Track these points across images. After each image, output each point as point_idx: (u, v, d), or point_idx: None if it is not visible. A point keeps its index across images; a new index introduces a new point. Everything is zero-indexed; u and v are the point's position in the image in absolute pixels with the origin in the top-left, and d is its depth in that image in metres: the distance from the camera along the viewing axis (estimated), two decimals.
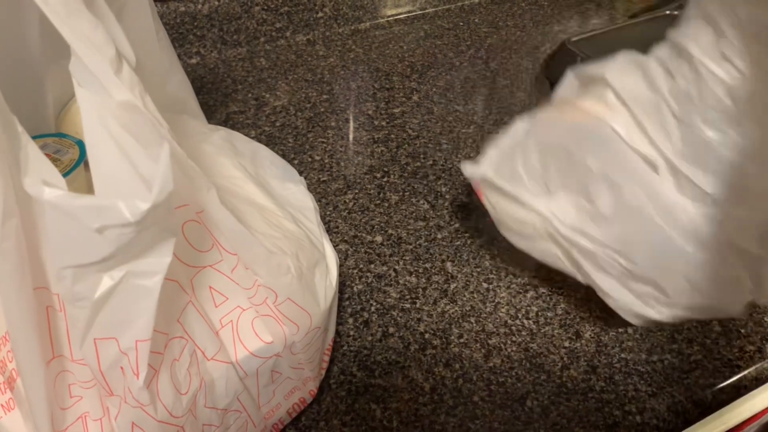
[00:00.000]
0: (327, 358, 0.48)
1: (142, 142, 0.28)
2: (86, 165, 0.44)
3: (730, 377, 0.51)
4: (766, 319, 0.55)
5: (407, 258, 0.58)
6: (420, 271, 0.57)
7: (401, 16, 0.91)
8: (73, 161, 0.43)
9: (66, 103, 0.49)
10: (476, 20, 0.92)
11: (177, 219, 0.32)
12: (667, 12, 0.81)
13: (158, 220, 0.27)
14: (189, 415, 0.34)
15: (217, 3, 0.78)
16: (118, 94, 0.28)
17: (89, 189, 0.37)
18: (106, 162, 0.28)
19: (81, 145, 0.45)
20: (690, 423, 0.49)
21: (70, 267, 0.27)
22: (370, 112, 0.74)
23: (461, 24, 0.91)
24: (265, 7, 0.81)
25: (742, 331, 0.54)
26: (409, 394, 0.49)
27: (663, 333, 0.53)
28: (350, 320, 0.53)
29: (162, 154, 0.26)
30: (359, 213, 0.62)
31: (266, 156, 0.51)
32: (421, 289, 0.56)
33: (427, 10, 0.93)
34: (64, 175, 0.42)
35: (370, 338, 0.52)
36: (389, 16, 0.91)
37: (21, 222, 0.28)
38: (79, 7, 0.27)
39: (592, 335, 0.53)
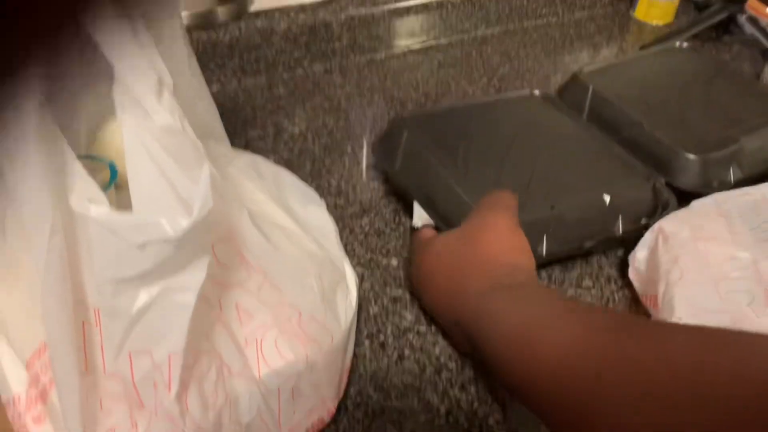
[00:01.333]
0: (345, 379, 0.49)
1: (181, 164, 0.29)
2: (117, 187, 0.46)
3: None
4: None
5: None
6: None
7: (416, 47, 0.94)
8: (104, 183, 0.44)
9: (98, 125, 0.51)
10: (489, 50, 0.94)
11: (210, 237, 0.33)
12: (677, 44, 0.83)
13: (196, 238, 0.28)
14: (215, 429, 0.35)
15: (237, 33, 0.81)
16: (159, 118, 0.29)
17: (119, 209, 0.38)
18: (146, 183, 0.29)
19: (112, 167, 0.46)
20: None
21: (111, 281, 0.28)
22: None
23: (474, 54, 0.93)
24: (284, 37, 0.84)
25: None
26: (425, 416, 0.49)
27: None
28: (366, 342, 0.54)
29: (203, 174, 0.27)
30: (375, 237, 0.63)
31: (288, 179, 0.52)
32: None
33: (440, 41, 0.95)
34: None
35: (386, 360, 0.53)
36: (404, 47, 0.93)
37: (64, 237, 0.29)
38: (126, 37, 0.29)
39: None
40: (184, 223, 0.27)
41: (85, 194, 0.28)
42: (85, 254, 0.30)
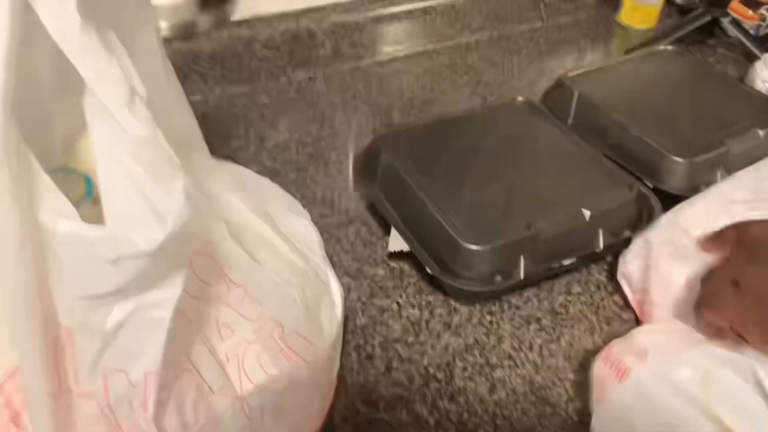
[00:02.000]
0: (332, 393, 0.48)
1: (155, 176, 0.28)
2: (93, 201, 0.44)
3: None
4: None
5: (410, 291, 0.58)
6: (423, 303, 0.57)
7: (400, 54, 0.93)
8: (80, 196, 0.43)
9: (73, 138, 0.49)
10: (474, 57, 0.94)
11: (187, 251, 0.32)
12: (662, 47, 0.83)
13: (172, 252, 0.27)
14: None
15: (219, 42, 0.80)
16: (132, 128, 0.29)
17: (96, 224, 0.37)
18: (119, 196, 0.28)
19: (88, 180, 0.45)
20: None
21: (83, 298, 0.27)
22: None
23: (459, 61, 0.93)
24: (267, 46, 0.83)
25: None
26: (414, 429, 0.48)
27: None
28: (354, 354, 0.53)
29: (177, 186, 0.26)
30: (361, 246, 0.62)
31: (271, 190, 0.51)
32: (424, 322, 0.56)
33: (425, 48, 0.95)
34: None
35: (373, 372, 0.52)
36: (388, 54, 0.92)
37: (32, 254, 0.28)
38: (95, 45, 0.28)
39: None
40: (159, 236, 0.26)
41: (55, 208, 0.27)
42: (55, 271, 0.29)
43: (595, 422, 0.47)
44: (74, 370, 0.31)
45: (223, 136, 0.75)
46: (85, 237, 0.25)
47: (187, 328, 0.34)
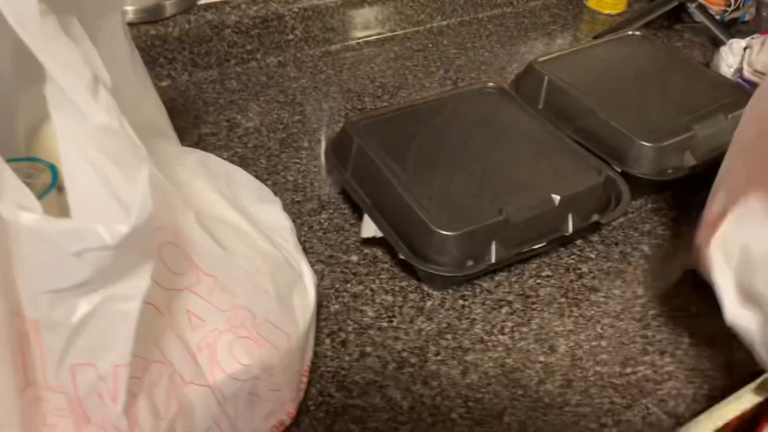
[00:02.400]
0: (305, 380, 0.48)
1: (119, 165, 0.28)
2: (59, 190, 0.44)
3: (701, 387, 0.52)
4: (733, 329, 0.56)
5: (383, 277, 0.58)
6: (396, 289, 0.57)
7: (371, 38, 0.92)
8: (45, 186, 0.42)
9: (37, 127, 0.48)
10: (445, 42, 0.94)
11: (154, 241, 0.32)
12: (630, 33, 0.84)
13: (137, 243, 0.27)
14: None
15: (187, 26, 0.78)
16: (95, 117, 0.28)
17: (62, 214, 0.36)
18: (83, 186, 0.28)
19: (53, 169, 0.44)
20: None
21: (47, 292, 0.26)
22: None
23: (430, 45, 0.93)
24: (236, 30, 0.81)
25: (711, 340, 0.55)
26: (388, 414, 0.49)
27: (636, 346, 0.54)
28: (327, 341, 0.53)
29: (141, 177, 0.26)
30: (334, 233, 0.62)
31: (241, 177, 0.51)
32: (397, 308, 0.56)
33: (396, 32, 0.94)
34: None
35: (347, 358, 0.52)
36: (359, 38, 0.92)
37: None
38: (55, 31, 0.27)
39: (567, 349, 0.54)
40: (123, 228, 0.25)
41: (15, 200, 0.26)
42: (19, 263, 0.28)
43: None
44: (42, 363, 0.31)
45: (192, 122, 0.74)
46: (48, 230, 0.25)
47: (157, 319, 0.34)
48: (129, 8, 0.75)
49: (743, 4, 1.02)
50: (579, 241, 0.63)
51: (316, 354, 0.52)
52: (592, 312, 0.57)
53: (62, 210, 0.41)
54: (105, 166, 0.28)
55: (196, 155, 0.48)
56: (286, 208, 0.57)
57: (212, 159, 0.50)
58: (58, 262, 0.26)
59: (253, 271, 0.38)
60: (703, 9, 0.99)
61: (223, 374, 0.38)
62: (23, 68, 0.44)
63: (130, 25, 0.75)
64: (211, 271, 0.36)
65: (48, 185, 0.43)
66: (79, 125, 0.28)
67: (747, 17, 1.05)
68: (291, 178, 0.68)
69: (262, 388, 0.40)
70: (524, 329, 0.55)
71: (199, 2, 0.81)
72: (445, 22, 0.98)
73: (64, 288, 0.26)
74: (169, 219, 0.33)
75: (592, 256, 0.62)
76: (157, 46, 0.78)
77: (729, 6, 1.01)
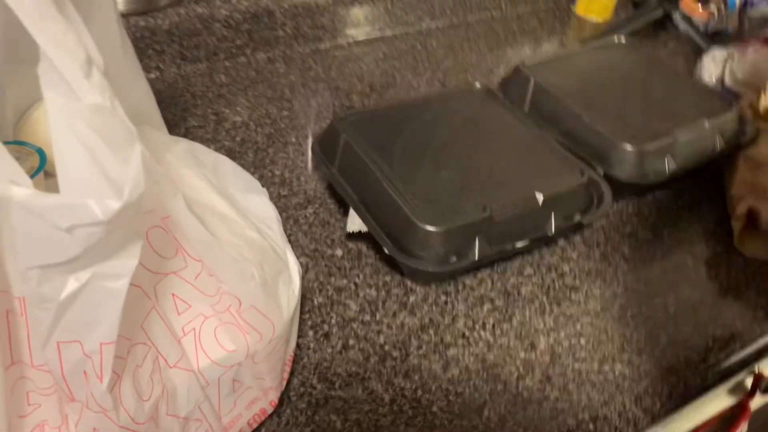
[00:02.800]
0: (288, 369, 0.48)
1: (111, 145, 0.28)
2: (46, 174, 0.44)
3: (676, 386, 0.53)
4: (709, 330, 0.58)
5: (367, 271, 0.59)
6: (380, 284, 0.58)
7: (360, 38, 0.93)
8: (33, 169, 0.42)
9: (25, 111, 0.48)
10: (433, 43, 0.95)
11: (143, 223, 0.32)
12: (616, 39, 0.85)
13: (128, 222, 0.27)
14: (151, 422, 0.34)
15: (177, 19, 0.78)
16: (88, 97, 0.28)
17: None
18: (74, 164, 0.28)
19: (41, 153, 0.44)
20: (640, 431, 0.51)
21: (37, 267, 0.26)
22: None
23: (419, 47, 0.94)
24: (226, 24, 0.82)
25: (687, 341, 0.56)
26: (369, 406, 0.49)
27: (614, 344, 0.55)
28: (310, 333, 0.53)
29: (134, 155, 0.26)
30: (319, 227, 0.63)
31: (228, 167, 0.51)
32: (381, 302, 0.56)
33: (386, 33, 0.95)
34: None
35: (330, 350, 0.52)
36: (349, 37, 0.92)
37: None
38: (51, 11, 0.27)
39: (547, 346, 0.54)
40: (114, 205, 0.25)
41: (7, 176, 0.26)
42: (8, 240, 0.28)
43: None
44: (28, 341, 0.31)
45: (180, 114, 0.74)
46: (39, 205, 0.25)
47: (143, 301, 0.34)
48: None
49: (726, 15, 1.04)
50: (561, 241, 0.64)
51: (299, 346, 0.52)
52: (573, 310, 0.58)
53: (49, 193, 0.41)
54: (96, 145, 0.28)
55: (184, 144, 0.48)
56: (273, 201, 0.58)
57: (199, 148, 0.50)
58: (49, 237, 0.26)
59: (240, 257, 0.38)
60: (687, 19, 1.01)
61: (208, 359, 0.38)
62: (12, 52, 0.44)
63: (121, 16, 0.75)
64: (198, 256, 0.36)
65: (35, 169, 0.43)
66: (72, 104, 0.28)
67: (730, 28, 1.07)
68: (278, 173, 0.68)
69: (245, 374, 0.41)
70: (506, 326, 0.56)
71: None
72: (434, 24, 0.99)
73: (53, 264, 0.27)
74: (159, 202, 0.33)
75: (574, 256, 0.63)
76: (147, 38, 0.78)
77: (713, 17, 1.03)
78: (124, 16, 0.76)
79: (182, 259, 0.36)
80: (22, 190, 0.26)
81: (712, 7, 1.02)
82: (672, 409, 0.53)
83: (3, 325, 0.30)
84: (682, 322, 0.58)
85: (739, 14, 1.06)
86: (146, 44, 0.78)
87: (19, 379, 0.32)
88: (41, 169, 0.43)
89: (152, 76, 0.80)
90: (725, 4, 1.02)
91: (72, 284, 0.27)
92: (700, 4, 1.02)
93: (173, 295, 0.36)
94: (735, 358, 0.57)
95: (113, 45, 0.41)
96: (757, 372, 0.59)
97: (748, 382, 0.60)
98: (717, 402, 0.60)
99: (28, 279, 0.27)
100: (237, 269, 0.37)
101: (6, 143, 0.45)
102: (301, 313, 0.54)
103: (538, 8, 1.08)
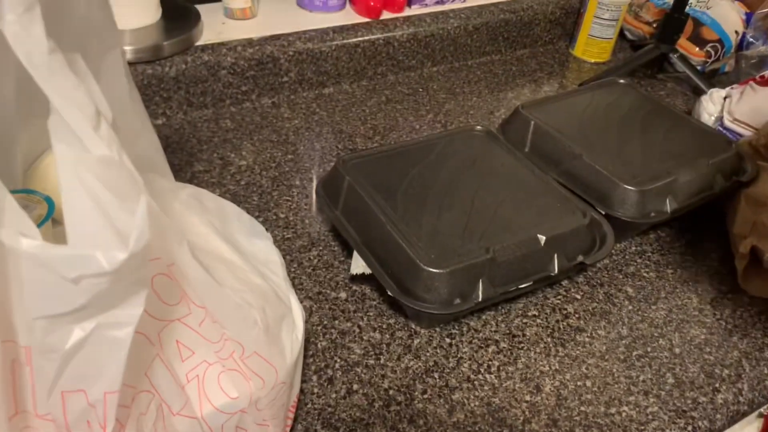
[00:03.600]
0: (291, 416, 0.48)
1: (118, 196, 0.29)
2: (54, 222, 0.44)
3: (684, 428, 0.52)
4: (716, 371, 0.57)
5: (371, 314, 0.59)
6: (384, 326, 0.58)
7: (363, 82, 0.95)
8: (41, 217, 0.43)
9: (34, 159, 0.49)
10: (434, 87, 0.96)
11: (148, 271, 0.33)
12: (614, 80, 0.87)
13: (133, 271, 0.27)
14: None
15: (184, 66, 0.80)
16: (96, 149, 0.29)
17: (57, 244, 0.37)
18: (81, 215, 0.29)
19: (49, 201, 0.45)
20: None
21: (43, 318, 0.27)
22: None
23: (420, 90, 0.95)
24: (232, 71, 0.84)
25: (694, 382, 0.56)
26: None
27: (620, 386, 0.55)
28: (314, 377, 0.53)
29: (140, 206, 0.26)
30: (323, 270, 0.63)
31: (233, 212, 0.52)
32: (385, 345, 0.56)
33: (387, 77, 0.97)
34: None
35: (334, 395, 0.52)
36: (352, 81, 0.94)
37: None
38: (61, 67, 0.28)
39: (552, 389, 0.54)
40: (120, 256, 0.26)
41: (17, 227, 0.27)
42: (15, 290, 0.29)
43: None
44: (33, 390, 0.31)
45: (186, 159, 0.76)
46: (47, 255, 0.26)
47: (148, 348, 0.34)
48: (128, 48, 0.77)
49: (723, 56, 1.06)
50: (565, 282, 0.64)
51: (302, 390, 0.52)
52: (578, 352, 0.58)
53: (57, 242, 0.42)
54: (103, 195, 0.28)
55: (189, 190, 0.49)
56: (277, 244, 0.58)
57: (205, 194, 0.51)
58: (56, 287, 0.26)
59: (244, 303, 0.38)
60: (684, 59, 1.03)
61: (211, 406, 0.38)
62: (24, 104, 0.45)
63: (129, 64, 0.77)
64: (202, 303, 0.36)
65: (43, 217, 0.44)
66: (80, 157, 0.29)
67: (727, 68, 1.09)
68: (282, 215, 0.69)
69: (248, 421, 0.40)
70: (510, 368, 0.56)
71: (197, 43, 0.83)
72: (435, 68, 1.01)
73: (60, 314, 0.27)
74: (164, 250, 0.33)
75: (578, 296, 0.63)
76: (154, 85, 0.79)
77: (709, 57, 1.04)
78: (132, 64, 0.78)
79: (186, 306, 0.36)
80: (32, 241, 0.26)
81: (709, 48, 1.04)
82: None
83: (8, 375, 0.30)
84: (688, 363, 0.58)
85: (736, 54, 1.08)
86: (153, 91, 0.80)
87: (24, 428, 0.32)
88: (49, 217, 0.43)
89: (159, 122, 0.81)
90: (722, 44, 1.04)
91: (77, 334, 0.28)
92: (697, 46, 1.04)
93: (177, 341, 0.36)
94: (743, 399, 0.56)
95: (122, 96, 0.42)
96: (766, 413, 0.58)
97: (758, 423, 0.59)
98: None
99: (34, 329, 0.27)
100: (240, 315, 0.37)
101: (15, 191, 0.46)
102: (305, 357, 0.54)
103: (537, 51, 1.10)
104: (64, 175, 0.29)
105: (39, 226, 0.42)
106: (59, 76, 0.28)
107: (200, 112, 0.84)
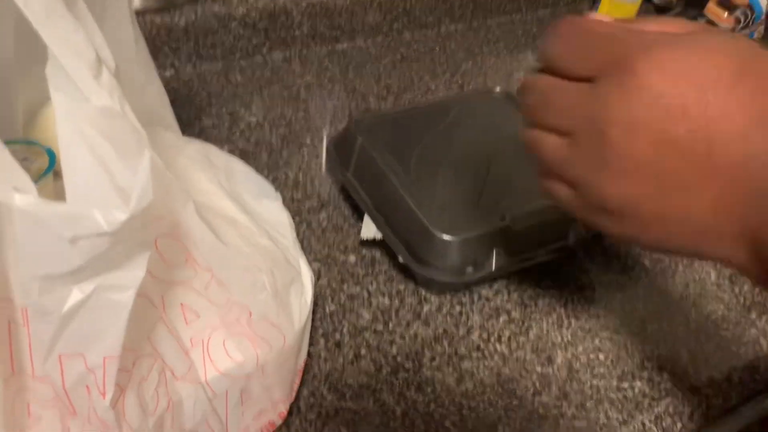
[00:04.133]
0: (298, 380, 0.47)
1: (120, 151, 0.27)
2: (55, 174, 0.43)
3: (698, 406, 0.51)
4: (732, 348, 0.56)
5: (381, 279, 0.57)
6: (393, 292, 0.57)
7: (378, 39, 0.92)
8: (41, 170, 0.41)
9: (36, 110, 0.47)
10: (452, 46, 0.93)
11: (152, 231, 0.31)
12: None
13: (134, 232, 0.26)
14: None
15: (193, 16, 0.77)
16: (96, 99, 0.27)
17: (58, 200, 0.36)
18: (81, 170, 0.27)
19: (50, 153, 0.43)
20: None
21: (38, 278, 0.25)
22: None
23: (437, 49, 0.92)
24: (243, 23, 0.81)
25: (710, 359, 0.55)
26: (380, 419, 0.48)
27: (633, 360, 0.54)
28: (321, 341, 0.52)
29: (142, 164, 0.25)
30: (333, 232, 0.61)
31: (241, 170, 0.50)
32: (394, 311, 0.55)
33: (404, 34, 0.94)
34: None
35: (341, 360, 0.51)
36: (366, 38, 0.91)
37: None
38: (59, 10, 0.26)
39: (564, 361, 0.53)
40: (120, 216, 0.24)
41: (11, 182, 0.25)
42: (11, 247, 0.27)
43: None
44: (30, 352, 0.30)
45: (194, 114, 0.73)
46: (42, 213, 0.24)
47: (150, 311, 0.33)
48: None
49: (753, 22, 1.01)
50: (580, 253, 0.62)
51: (309, 354, 0.51)
52: (591, 324, 0.56)
53: (58, 196, 0.40)
54: (104, 150, 0.27)
55: (196, 146, 0.47)
56: (286, 205, 0.56)
57: (213, 150, 0.49)
58: (52, 247, 0.25)
59: (251, 266, 0.37)
60: (712, 25, 0.99)
61: (215, 371, 0.37)
62: (25, 49, 0.43)
63: (137, 13, 0.74)
64: (207, 265, 0.35)
65: (44, 170, 0.42)
66: (80, 107, 0.27)
67: (755, 35, 1.05)
68: (292, 175, 0.67)
69: (254, 386, 0.39)
70: (522, 339, 0.54)
71: None
72: (453, 27, 0.98)
73: (56, 274, 0.25)
74: (168, 209, 0.32)
75: (593, 268, 0.61)
76: (162, 36, 0.77)
77: (738, 23, 1.00)
78: (140, 13, 0.75)
79: (192, 269, 0.35)
80: (26, 197, 0.24)
81: (738, 14, 1.00)
82: (693, 430, 0.51)
83: (5, 335, 0.29)
84: (704, 339, 0.56)
85: (766, 21, 1.03)
86: (161, 42, 0.77)
87: (20, 389, 0.31)
88: (50, 170, 0.42)
89: (167, 74, 0.79)
90: (752, 10, 1.00)
91: (75, 295, 0.26)
92: (726, 11, 1.00)
93: (182, 305, 0.35)
94: (759, 377, 0.55)
95: (126, 44, 0.40)
96: None
97: None
98: (740, 424, 0.59)
99: (30, 289, 0.26)
100: (248, 279, 0.36)
101: (15, 142, 0.45)
102: (313, 320, 0.53)
103: (559, 12, 1.06)
104: (62, 126, 0.27)
105: (39, 179, 0.41)
106: (56, 18, 0.26)
107: (210, 64, 0.81)
